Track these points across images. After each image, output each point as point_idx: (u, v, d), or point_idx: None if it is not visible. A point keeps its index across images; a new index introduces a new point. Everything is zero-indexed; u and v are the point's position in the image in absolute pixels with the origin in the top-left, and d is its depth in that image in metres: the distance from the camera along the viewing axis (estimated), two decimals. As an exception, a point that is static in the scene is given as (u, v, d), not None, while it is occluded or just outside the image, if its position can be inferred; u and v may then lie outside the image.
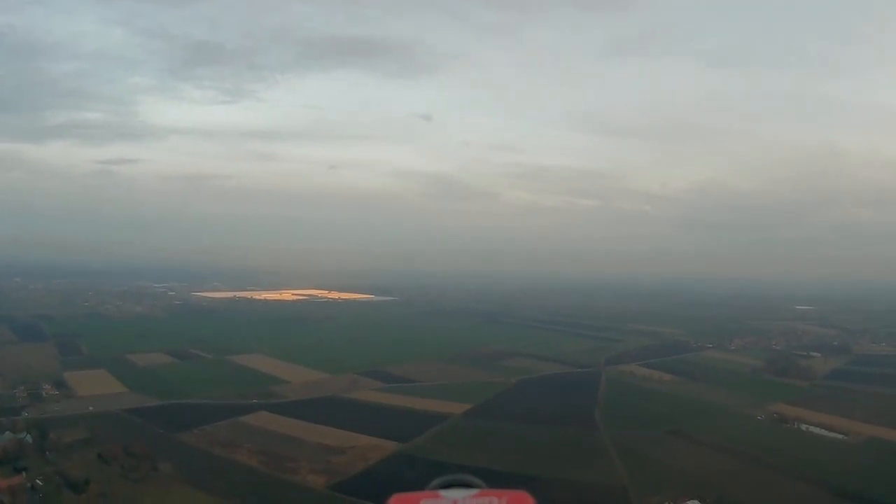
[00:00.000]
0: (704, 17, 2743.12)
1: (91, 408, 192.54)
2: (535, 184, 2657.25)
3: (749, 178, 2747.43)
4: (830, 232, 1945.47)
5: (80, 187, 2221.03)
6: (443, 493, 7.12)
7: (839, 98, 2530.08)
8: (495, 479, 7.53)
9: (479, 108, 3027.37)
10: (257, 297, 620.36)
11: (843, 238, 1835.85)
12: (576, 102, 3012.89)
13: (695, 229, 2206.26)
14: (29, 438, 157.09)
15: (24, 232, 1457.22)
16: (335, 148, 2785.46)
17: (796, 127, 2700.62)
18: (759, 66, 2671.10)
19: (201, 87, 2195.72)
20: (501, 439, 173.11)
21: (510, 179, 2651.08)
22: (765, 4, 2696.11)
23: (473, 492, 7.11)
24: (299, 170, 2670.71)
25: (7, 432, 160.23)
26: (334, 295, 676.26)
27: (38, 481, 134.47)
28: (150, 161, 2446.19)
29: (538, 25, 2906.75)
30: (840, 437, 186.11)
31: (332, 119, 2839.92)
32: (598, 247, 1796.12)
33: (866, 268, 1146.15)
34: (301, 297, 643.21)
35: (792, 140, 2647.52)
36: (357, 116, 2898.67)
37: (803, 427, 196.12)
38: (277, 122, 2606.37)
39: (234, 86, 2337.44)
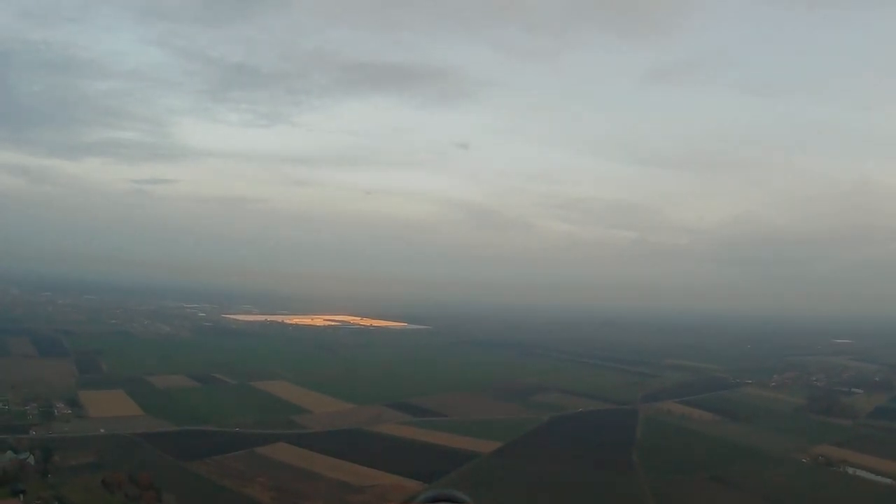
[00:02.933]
0: (743, 47, 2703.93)
1: (102, 430, 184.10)
2: (571, 214, 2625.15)
3: (785, 211, 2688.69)
4: (866, 266, 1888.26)
5: (114, 205, 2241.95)
6: None
7: (876, 131, 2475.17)
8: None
9: (516, 136, 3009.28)
10: (288, 321, 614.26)
11: (878, 272, 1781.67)
12: (614, 132, 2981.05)
13: (730, 262, 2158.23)
14: (32, 459, 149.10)
15: (57, 246, 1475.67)
16: (371, 174, 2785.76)
17: (833, 159, 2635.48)
18: (796, 97, 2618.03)
19: (237, 109, 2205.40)
20: (532, 481, 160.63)
21: (546, 209, 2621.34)
22: (805, 35, 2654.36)
23: None
24: (335, 195, 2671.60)
25: (9, 451, 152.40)
26: (367, 322, 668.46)
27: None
28: (185, 182, 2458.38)
29: (576, 53, 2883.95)
30: (889, 481, 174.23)
31: (368, 145, 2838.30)
32: (634, 279, 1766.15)
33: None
34: (333, 323, 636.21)
35: (828, 173, 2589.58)
36: (393, 143, 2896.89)
37: (850, 470, 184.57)
38: (313, 146, 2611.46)
39: (271, 109, 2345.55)
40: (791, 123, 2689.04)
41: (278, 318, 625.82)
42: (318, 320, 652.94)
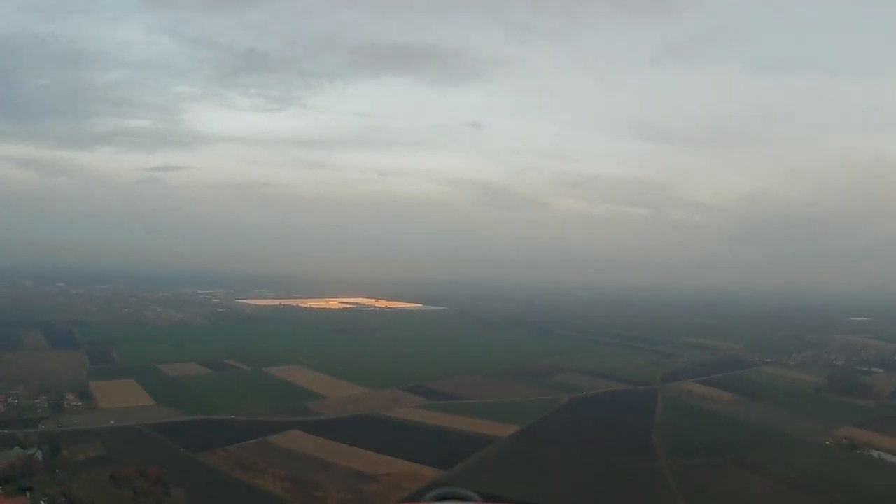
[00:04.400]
0: (755, 23, 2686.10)
1: (112, 422, 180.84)
2: (586, 192, 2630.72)
3: (799, 187, 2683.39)
4: (882, 243, 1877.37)
5: (126, 194, 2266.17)
6: None
7: (892, 106, 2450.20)
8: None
9: (530, 115, 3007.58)
10: (303, 305, 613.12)
11: (894, 249, 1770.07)
12: (627, 109, 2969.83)
13: (745, 239, 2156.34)
14: (39, 455, 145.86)
15: (71, 237, 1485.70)
16: (384, 155, 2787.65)
17: (847, 135, 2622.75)
18: (810, 73, 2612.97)
19: (248, 94, 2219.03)
20: (551, 467, 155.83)
21: (561, 188, 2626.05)
22: (817, 10, 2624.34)
23: None
24: (348, 178, 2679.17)
25: (17, 447, 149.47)
26: (382, 304, 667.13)
27: (42, 502, 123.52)
28: (197, 168, 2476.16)
29: (588, 31, 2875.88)
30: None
31: (381, 126, 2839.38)
32: (649, 257, 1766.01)
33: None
34: (348, 306, 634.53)
35: (843, 149, 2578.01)
36: (407, 124, 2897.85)
37: (874, 454, 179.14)
38: (326, 129, 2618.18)
39: (282, 93, 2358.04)
40: (805, 99, 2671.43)
41: (293, 303, 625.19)
42: (333, 303, 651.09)
